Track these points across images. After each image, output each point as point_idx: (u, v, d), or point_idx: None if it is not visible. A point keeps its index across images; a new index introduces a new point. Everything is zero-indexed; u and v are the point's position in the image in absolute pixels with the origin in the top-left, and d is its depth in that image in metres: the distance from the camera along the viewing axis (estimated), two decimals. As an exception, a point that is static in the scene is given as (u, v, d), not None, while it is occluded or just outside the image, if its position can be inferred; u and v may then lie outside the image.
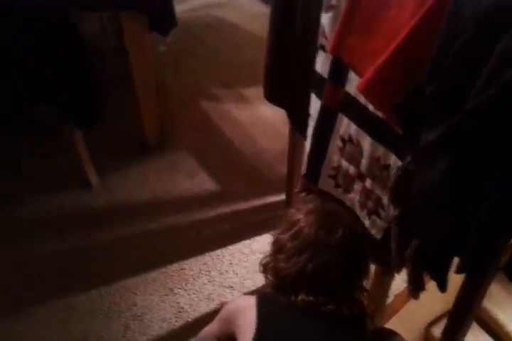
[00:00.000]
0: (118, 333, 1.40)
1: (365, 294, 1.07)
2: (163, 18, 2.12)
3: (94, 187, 1.87)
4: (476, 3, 0.70)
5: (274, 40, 1.28)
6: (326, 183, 1.26)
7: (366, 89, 0.92)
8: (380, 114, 0.97)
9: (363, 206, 1.18)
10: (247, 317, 0.99)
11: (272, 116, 2.22)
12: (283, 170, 1.76)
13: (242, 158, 2.03)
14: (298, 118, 1.33)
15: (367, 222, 1.18)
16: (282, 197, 1.79)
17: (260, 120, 2.23)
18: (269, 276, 1.07)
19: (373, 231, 1.17)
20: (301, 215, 1.08)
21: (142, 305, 1.47)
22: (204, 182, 1.91)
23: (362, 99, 1.02)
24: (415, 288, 1.06)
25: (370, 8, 0.89)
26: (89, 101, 1.67)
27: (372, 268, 1.23)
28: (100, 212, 1.78)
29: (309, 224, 1.05)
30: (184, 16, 2.94)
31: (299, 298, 0.97)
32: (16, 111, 1.60)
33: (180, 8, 2.78)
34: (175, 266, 1.58)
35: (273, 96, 1.42)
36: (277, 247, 1.07)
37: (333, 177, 1.23)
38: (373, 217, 1.16)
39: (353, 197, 1.20)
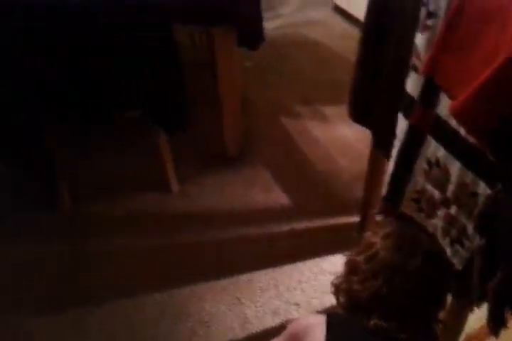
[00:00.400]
0: (184, 337, 1.43)
1: (440, 326, 1.02)
2: (252, 33, 2.18)
3: (174, 192, 1.93)
4: None
5: (364, 59, 1.28)
6: (408, 206, 1.23)
7: (459, 112, 0.89)
8: (471, 139, 0.94)
9: (445, 233, 1.13)
10: (316, 335, 0.98)
11: (352, 137, 2.20)
12: (359, 191, 1.73)
13: (319, 176, 2.02)
14: (383, 139, 1.31)
15: (449, 251, 1.13)
16: (356, 218, 1.77)
17: (340, 140, 2.22)
18: (340, 297, 1.05)
19: (455, 261, 1.12)
20: (378, 238, 1.05)
21: (210, 311, 1.49)
22: (279, 198, 1.91)
23: (453, 123, 0.99)
24: (496, 324, 1.00)
25: (469, 28, 0.87)
26: (177, 109, 1.73)
27: (450, 299, 1.19)
28: (177, 216, 1.84)
29: (386, 247, 1.02)
30: (272, 33, 3.00)
31: (372, 321, 0.94)
32: (116, 111, 1.68)
33: (269, 26, 2.85)
34: (244, 277, 1.59)
35: (358, 116, 1.41)
36: (351, 269, 1.05)
37: (417, 200, 1.20)
38: (456, 245, 1.11)
39: (436, 223, 1.16)
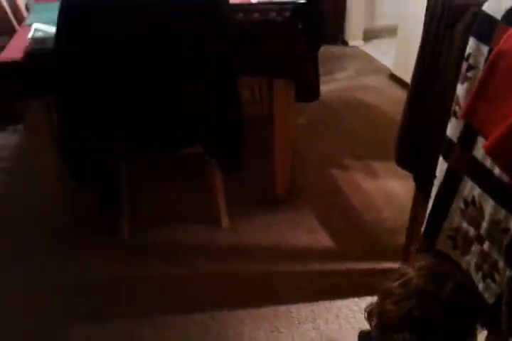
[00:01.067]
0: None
1: None
2: (310, 90, 2.38)
3: (224, 227, 2.07)
4: None
5: (411, 108, 1.42)
6: (444, 244, 1.32)
7: (492, 150, 1.01)
8: (505, 177, 1.04)
9: (478, 268, 1.21)
10: None
11: (398, 190, 2.30)
12: (401, 240, 1.83)
13: (363, 223, 2.12)
14: (424, 182, 1.42)
15: (481, 286, 1.20)
16: (397, 264, 1.84)
17: (385, 192, 2.32)
18: (372, 321, 1.13)
19: (486, 295, 1.18)
20: (412, 269, 1.14)
21: (249, 336, 1.57)
22: (323, 240, 2.01)
23: (488, 163, 1.10)
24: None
25: (503, 79, 1.01)
26: (234, 149, 1.90)
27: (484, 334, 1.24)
28: (225, 249, 1.96)
29: (420, 275, 1.11)
30: (327, 95, 3.21)
31: (401, 335, 1.02)
32: (176, 148, 1.86)
33: (325, 88, 3.07)
34: (283, 307, 1.67)
35: (403, 161, 1.53)
36: (384, 294, 1.14)
37: (453, 238, 1.29)
38: (488, 280, 1.18)
39: (470, 260, 1.24)
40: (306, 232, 2.07)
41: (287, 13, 1.81)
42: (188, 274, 1.85)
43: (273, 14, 1.80)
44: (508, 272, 1.07)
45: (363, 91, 3.41)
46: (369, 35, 4.29)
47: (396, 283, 1.12)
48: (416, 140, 1.44)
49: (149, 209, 2.17)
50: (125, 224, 2.00)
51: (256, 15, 1.79)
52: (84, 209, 2.13)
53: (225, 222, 2.09)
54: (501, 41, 1.02)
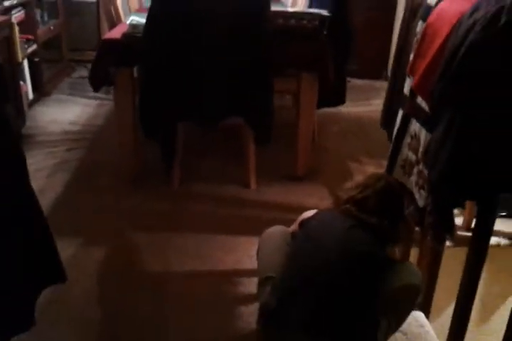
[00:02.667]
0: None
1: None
2: (336, 95, 2.94)
3: (252, 189, 2.60)
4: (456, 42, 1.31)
5: (390, 83, 1.95)
6: (398, 173, 1.80)
7: (416, 86, 1.53)
8: (425, 106, 1.55)
9: (416, 184, 1.68)
10: (310, 213, 1.57)
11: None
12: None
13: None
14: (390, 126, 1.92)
15: (417, 195, 1.67)
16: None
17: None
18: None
19: (419, 202, 1.65)
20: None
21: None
22: (330, 205, 2.48)
23: (423, 104, 1.60)
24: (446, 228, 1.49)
25: (428, 40, 1.53)
26: (267, 124, 2.46)
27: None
28: (250, 203, 2.50)
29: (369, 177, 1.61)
30: (360, 114, 3.78)
31: (344, 206, 1.51)
32: (220, 118, 2.45)
33: (359, 109, 3.62)
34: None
35: (384, 124, 2.04)
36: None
37: (403, 166, 1.77)
38: (421, 191, 1.65)
39: (412, 180, 1.71)
40: (317, 198, 2.56)
41: (316, 22, 2.40)
42: (217, 213, 2.38)
43: (305, 22, 2.40)
44: (423, 169, 1.55)
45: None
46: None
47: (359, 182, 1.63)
48: (392, 106, 1.96)
49: (196, 168, 2.78)
50: (176, 176, 2.57)
51: (292, 21, 2.39)
52: (148, 163, 2.75)
53: (253, 184, 2.62)
54: (429, 17, 1.55)
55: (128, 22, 2.36)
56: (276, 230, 1.73)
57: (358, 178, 1.67)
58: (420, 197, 1.65)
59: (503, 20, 1.20)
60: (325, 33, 2.46)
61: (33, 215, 1.26)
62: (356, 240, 1.46)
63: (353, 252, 1.44)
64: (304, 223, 1.59)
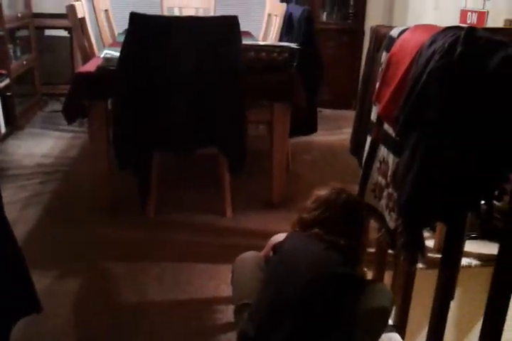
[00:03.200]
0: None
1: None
2: (308, 124, 3.02)
3: (228, 217, 2.63)
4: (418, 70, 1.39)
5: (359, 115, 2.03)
6: (369, 196, 1.85)
7: (382, 112, 1.60)
8: (391, 131, 1.61)
9: (387, 207, 1.73)
10: (280, 237, 1.60)
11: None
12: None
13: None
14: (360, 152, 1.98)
15: (388, 218, 1.71)
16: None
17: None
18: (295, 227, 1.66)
19: (390, 224, 1.69)
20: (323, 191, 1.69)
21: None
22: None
23: (390, 130, 1.67)
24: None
25: (392, 69, 1.61)
26: (240, 153, 2.51)
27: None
28: (226, 231, 2.52)
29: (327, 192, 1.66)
30: (333, 142, 3.86)
31: (313, 231, 1.55)
32: (193, 148, 2.49)
33: (332, 138, 3.70)
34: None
35: (352, 150, 2.11)
36: (302, 209, 1.67)
37: (374, 190, 1.82)
38: (392, 213, 1.70)
39: (383, 203, 1.76)
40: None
41: (286, 54, 2.50)
42: (194, 241, 2.40)
43: (275, 54, 2.48)
44: (392, 193, 1.60)
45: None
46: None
47: (310, 201, 1.66)
48: (360, 133, 2.03)
49: (172, 197, 2.80)
50: (151, 205, 2.58)
51: (263, 54, 2.48)
52: (122, 193, 2.76)
53: (229, 212, 2.65)
54: (392, 48, 1.64)
55: (102, 55, 2.42)
56: (248, 256, 1.75)
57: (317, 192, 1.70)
58: (391, 220, 1.69)
59: (458, 50, 1.29)
60: (295, 64, 2.54)
61: (8, 245, 1.26)
62: (330, 262, 1.49)
63: (327, 274, 1.47)
64: (276, 247, 1.61)
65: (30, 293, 1.30)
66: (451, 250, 1.60)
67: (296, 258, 1.53)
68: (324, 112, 4.43)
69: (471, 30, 1.29)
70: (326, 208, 1.60)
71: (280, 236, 1.67)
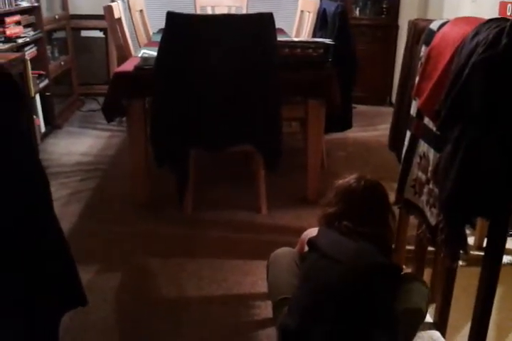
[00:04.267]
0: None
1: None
2: (343, 120, 3.00)
3: (263, 214, 2.64)
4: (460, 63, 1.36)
5: (397, 110, 2.01)
6: (408, 192, 1.83)
7: (422, 105, 1.57)
8: (431, 125, 1.59)
9: (427, 203, 1.71)
10: (312, 232, 1.60)
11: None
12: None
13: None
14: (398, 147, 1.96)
15: (429, 214, 1.69)
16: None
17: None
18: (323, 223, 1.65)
19: (431, 220, 1.67)
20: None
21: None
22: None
23: (430, 124, 1.65)
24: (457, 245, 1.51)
25: (432, 63, 1.59)
26: (276, 150, 2.51)
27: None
28: (262, 228, 2.53)
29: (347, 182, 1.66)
30: (368, 139, 3.83)
31: (343, 224, 1.54)
32: (230, 145, 2.50)
33: (366, 134, 3.67)
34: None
35: (391, 146, 2.09)
36: (325, 203, 1.67)
37: (413, 186, 1.80)
38: (432, 209, 1.67)
39: (423, 199, 1.74)
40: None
41: (321, 50, 2.48)
42: (230, 237, 2.42)
43: (310, 50, 2.48)
44: (433, 188, 1.58)
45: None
46: (414, 99, 4.91)
47: (331, 194, 1.65)
48: (399, 128, 2.00)
49: (208, 194, 2.82)
50: (188, 202, 2.61)
51: (298, 50, 2.47)
52: (160, 190, 2.80)
53: (264, 209, 2.66)
54: (432, 41, 1.62)
55: (139, 55, 2.45)
56: (283, 252, 1.76)
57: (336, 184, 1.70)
58: (431, 215, 1.67)
59: (503, 42, 1.26)
60: (330, 60, 2.53)
61: (58, 241, 1.30)
62: (366, 254, 1.49)
63: (367, 265, 1.47)
64: (312, 242, 1.60)
65: (76, 286, 1.33)
66: (495, 247, 1.57)
67: (334, 252, 1.52)
68: (359, 108, 4.38)
69: (517, 21, 1.26)
70: (348, 199, 1.59)
71: (312, 232, 1.66)
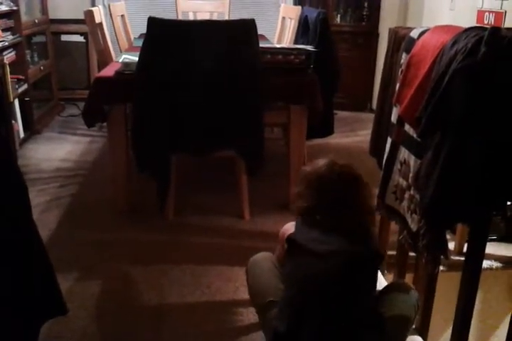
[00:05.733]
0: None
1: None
2: (325, 126, 3.02)
3: (246, 219, 2.63)
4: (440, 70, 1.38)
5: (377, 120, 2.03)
6: (389, 198, 1.84)
7: (403, 112, 1.59)
8: (412, 132, 1.60)
9: (408, 209, 1.72)
10: (291, 226, 1.59)
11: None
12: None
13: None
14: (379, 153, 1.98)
15: (410, 220, 1.70)
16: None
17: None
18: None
19: (412, 226, 1.68)
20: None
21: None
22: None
23: (410, 131, 1.66)
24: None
25: (412, 70, 1.61)
26: (258, 155, 2.51)
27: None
28: (244, 233, 2.53)
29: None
30: (349, 144, 3.85)
31: (317, 219, 1.54)
32: (212, 150, 2.49)
33: (347, 140, 3.69)
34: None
35: (372, 151, 2.10)
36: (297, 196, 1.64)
37: (394, 192, 1.81)
38: (413, 215, 1.69)
39: (404, 205, 1.75)
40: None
41: (302, 57, 2.50)
42: (212, 243, 2.41)
43: (292, 57, 2.49)
44: (414, 194, 1.59)
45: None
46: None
47: (303, 185, 1.62)
48: (380, 134, 2.02)
49: (189, 199, 2.81)
50: (170, 208, 2.59)
51: (279, 56, 2.48)
52: (141, 196, 2.78)
53: (247, 215, 2.65)
54: (413, 49, 1.64)
55: (120, 60, 2.44)
56: (263, 256, 1.76)
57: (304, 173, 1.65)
58: (413, 221, 1.68)
59: (482, 50, 1.28)
60: (312, 67, 2.54)
61: (36, 248, 1.28)
62: (342, 246, 1.48)
63: (345, 258, 1.47)
64: (290, 239, 1.58)
65: (56, 294, 1.31)
66: (475, 252, 1.59)
67: (312, 246, 1.48)
68: (339, 114, 4.41)
69: (495, 30, 1.28)
70: (321, 189, 1.54)
71: (290, 226, 1.63)
